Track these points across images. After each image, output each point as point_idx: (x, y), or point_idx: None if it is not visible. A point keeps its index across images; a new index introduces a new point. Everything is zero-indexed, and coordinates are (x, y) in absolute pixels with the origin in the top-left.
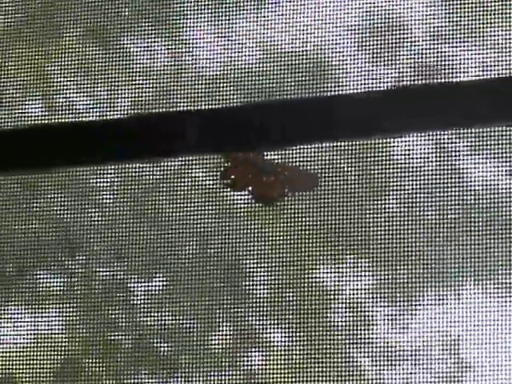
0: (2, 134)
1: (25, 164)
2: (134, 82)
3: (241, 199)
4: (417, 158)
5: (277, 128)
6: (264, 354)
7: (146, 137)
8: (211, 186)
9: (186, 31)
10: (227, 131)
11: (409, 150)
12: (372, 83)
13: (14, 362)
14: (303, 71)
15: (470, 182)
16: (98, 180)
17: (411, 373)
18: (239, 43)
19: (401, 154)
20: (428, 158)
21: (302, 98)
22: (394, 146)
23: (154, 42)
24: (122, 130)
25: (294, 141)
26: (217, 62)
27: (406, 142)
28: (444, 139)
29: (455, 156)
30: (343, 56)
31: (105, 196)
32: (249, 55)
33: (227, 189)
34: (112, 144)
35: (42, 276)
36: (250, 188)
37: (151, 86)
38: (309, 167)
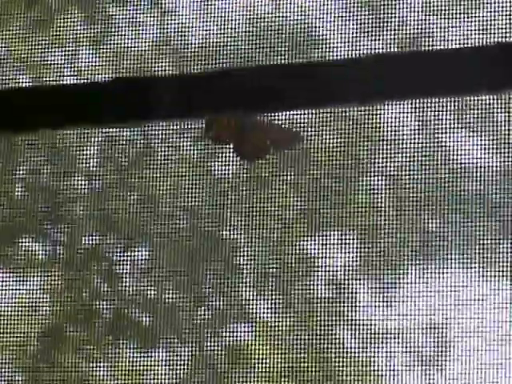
0: None
1: (9, 125)
2: (118, 49)
3: (226, 170)
4: (405, 130)
5: (259, 93)
6: (248, 326)
7: (127, 101)
8: (197, 154)
9: None
10: (206, 95)
11: (396, 120)
12: (358, 51)
13: None
14: (288, 38)
15: (457, 156)
16: (84, 146)
17: (394, 349)
18: (224, 10)
19: (388, 126)
20: (415, 130)
21: (285, 63)
22: (380, 115)
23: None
24: (104, 93)
25: (276, 106)
26: (201, 28)
27: (392, 110)
28: (429, 110)
29: (441, 130)
30: (329, 23)
31: (91, 163)
32: (233, 22)
33: (210, 143)
34: (94, 107)
35: (26, 243)
36: (233, 143)
37: (135, 53)
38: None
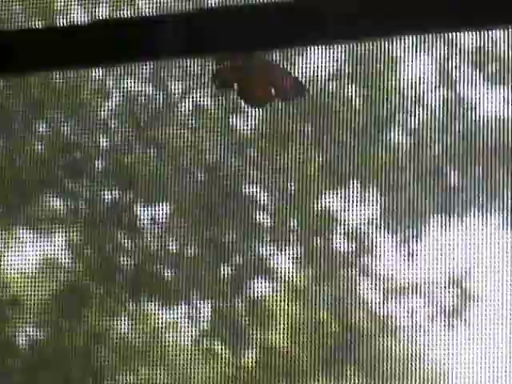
0: None
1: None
2: None
3: (242, 125)
4: (424, 88)
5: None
6: (269, 281)
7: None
8: (214, 111)
9: None
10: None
11: (416, 73)
12: None
13: (20, 285)
14: None
15: (478, 108)
16: (104, 101)
17: (416, 303)
18: None
19: (408, 80)
20: (435, 84)
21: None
22: (399, 71)
23: None
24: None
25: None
26: None
27: (412, 62)
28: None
29: (461, 82)
30: None
31: (110, 119)
32: None
33: (216, 88)
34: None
35: (46, 200)
36: (237, 87)
37: None
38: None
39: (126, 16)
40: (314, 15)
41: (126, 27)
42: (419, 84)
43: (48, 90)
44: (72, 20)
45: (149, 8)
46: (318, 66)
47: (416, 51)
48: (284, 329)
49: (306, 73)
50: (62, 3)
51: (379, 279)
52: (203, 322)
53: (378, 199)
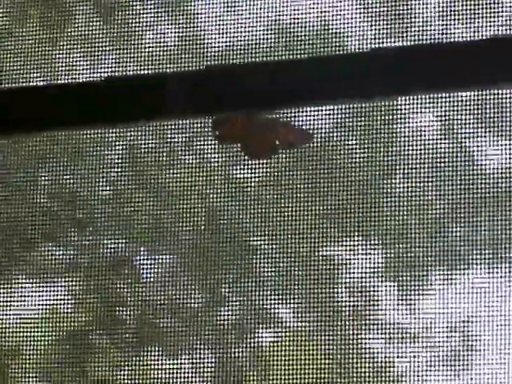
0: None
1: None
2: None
3: (246, 174)
4: (427, 136)
5: (268, 89)
6: (272, 331)
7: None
8: (217, 160)
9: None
10: (214, 93)
11: (418, 123)
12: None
13: (21, 334)
14: (303, 34)
15: (481, 160)
16: (106, 153)
17: (418, 352)
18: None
19: (411, 129)
20: (438, 133)
21: (291, 59)
22: (401, 123)
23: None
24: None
25: (285, 103)
26: (222, 34)
27: (414, 112)
28: (451, 111)
29: (464, 132)
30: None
31: (112, 170)
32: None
33: (218, 142)
34: (103, 105)
35: (48, 248)
36: (240, 142)
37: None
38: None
39: (126, 73)
40: (319, 75)
41: (126, 85)
42: (422, 135)
43: (50, 141)
44: (74, 77)
45: (152, 65)
46: (320, 117)
47: (419, 103)
48: (286, 378)
49: (308, 123)
50: (63, 60)
51: (382, 329)
52: (206, 371)
53: (382, 250)
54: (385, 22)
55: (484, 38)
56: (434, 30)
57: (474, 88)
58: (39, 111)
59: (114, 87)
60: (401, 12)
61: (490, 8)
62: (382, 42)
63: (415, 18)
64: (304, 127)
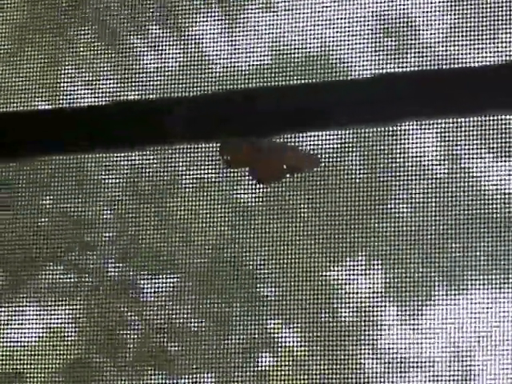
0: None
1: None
2: (138, 77)
3: (248, 198)
4: (427, 157)
5: (272, 115)
6: (274, 354)
7: (131, 124)
8: (218, 183)
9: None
10: (218, 119)
11: (420, 146)
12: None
13: (23, 358)
14: (310, 66)
15: (482, 181)
16: (108, 176)
17: (419, 377)
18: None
19: (411, 152)
20: (439, 156)
21: (295, 84)
22: (403, 144)
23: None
24: (114, 116)
25: (289, 128)
26: (225, 59)
27: (415, 136)
28: (453, 133)
29: (465, 156)
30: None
31: (116, 193)
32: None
33: (225, 167)
34: (105, 131)
35: (51, 272)
36: (249, 167)
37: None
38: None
39: (128, 98)
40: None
41: (127, 110)
42: (424, 157)
43: (52, 164)
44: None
45: (154, 89)
46: (320, 140)
47: (420, 125)
48: None
49: (307, 144)
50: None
51: (383, 352)
52: None
53: (382, 271)
54: (389, 47)
55: (491, 64)
56: (439, 54)
57: (480, 114)
58: (38, 135)
59: (116, 112)
60: (406, 37)
61: (498, 33)
62: (387, 67)
63: (420, 42)
64: (310, 151)
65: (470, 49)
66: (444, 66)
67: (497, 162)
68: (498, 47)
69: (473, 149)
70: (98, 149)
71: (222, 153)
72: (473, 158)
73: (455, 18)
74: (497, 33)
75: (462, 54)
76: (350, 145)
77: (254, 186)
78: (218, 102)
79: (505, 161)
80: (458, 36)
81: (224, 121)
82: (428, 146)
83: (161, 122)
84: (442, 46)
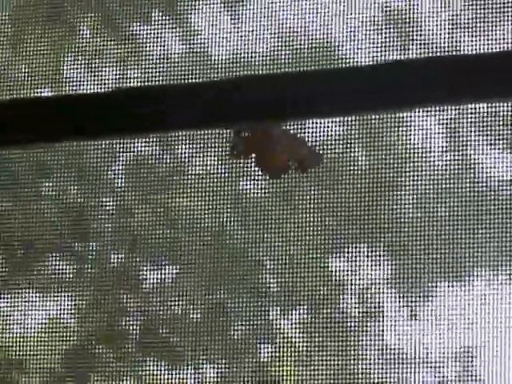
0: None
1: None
2: (141, 66)
3: (252, 188)
4: (432, 148)
5: (281, 101)
6: (275, 344)
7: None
8: (223, 174)
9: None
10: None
11: (423, 133)
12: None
13: (25, 347)
14: (311, 56)
15: (486, 171)
16: (112, 164)
17: (422, 368)
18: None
19: (415, 143)
20: (444, 147)
21: (305, 70)
22: (408, 134)
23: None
24: (126, 101)
25: (297, 115)
26: (227, 47)
27: (419, 122)
28: (458, 127)
29: (469, 144)
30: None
31: (118, 181)
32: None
33: (233, 157)
34: (109, 117)
35: (52, 261)
36: (256, 159)
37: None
38: (317, 147)
39: (129, 85)
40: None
41: (128, 97)
42: (427, 147)
43: (55, 151)
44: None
45: (155, 76)
46: (323, 129)
47: (424, 114)
48: None
49: (312, 135)
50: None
51: (385, 344)
52: None
53: (386, 262)
54: (390, 34)
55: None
56: (441, 41)
57: (486, 101)
58: (40, 123)
59: (117, 99)
60: (406, 24)
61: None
62: (388, 54)
63: (421, 29)
64: (315, 148)
65: (473, 37)
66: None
67: (503, 152)
68: (503, 35)
69: (478, 139)
70: (97, 137)
71: (233, 146)
72: (477, 147)
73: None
74: (501, 20)
75: (464, 42)
76: (353, 135)
77: (258, 177)
78: (205, 90)
79: (508, 149)
80: (461, 25)
81: (223, 108)
82: (432, 135)
83: (158, 110)
84: (445, 35)
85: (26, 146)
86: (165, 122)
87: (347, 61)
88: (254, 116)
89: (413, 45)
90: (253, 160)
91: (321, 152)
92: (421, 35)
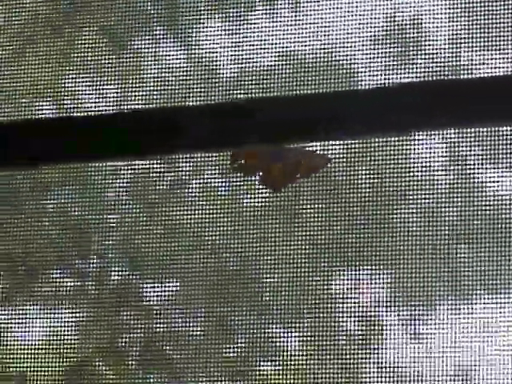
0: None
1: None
2: (143, 81)
3: (253, 202)
4: (435, 165)
5: (284, 123)
6: (276, 361)
7: (147, 132)
8: (223, 188)
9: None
10: (233, 127)
11: (425, 153)
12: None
13: (26, 362)
14: (316, 71)
15: (488, 189)
16: (113, 179)
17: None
18: (250, 42)
19: (417, 158)
20: (447, 165)
21: (306, 94)
22: (409, 150)
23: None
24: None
25: (299, 137)
26: (228, 60)
27: (421, 144)
28: (459, 143)
29: (472, 164)
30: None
31: (119, 197)
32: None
33: (237, 173)
34: (115, 139)
35: (54, 276)
36: (260, 173)
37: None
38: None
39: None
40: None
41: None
42: (429, 162)
43: (56, 168)
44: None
45: (162, 97)
46: (326, 143)
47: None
48: None
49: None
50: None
51: (385, 363)
52: None
53: (387, 280)
54: (396, 55)
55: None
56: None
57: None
58: (46, 144)
59: (126, 120)
60: (411, 44)
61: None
62: (393, 75)
63: (426, 50)
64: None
65: (478, 55)
66: (451, 74)
67: (503, 171)
68: (507, 56)
69: (479, 155)
70: (108, 157)
71: (233, 160)
72: (479, 164)
73: (463, 24)
74: (505, 41)
75: (469, 60)
76: (356, 153)
77: (260, 192)
78: (228, 111)
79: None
80: (466, 42)
81: (233, 130)
82: (435, 151)
83: (168, 131)
84: (450, 52)
85: (27, 168)
86: (175, 144)
87: (352, 75)
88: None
89: (419, 59)
90: (256, 176)
91: (328, 157)
92: (426, 52)
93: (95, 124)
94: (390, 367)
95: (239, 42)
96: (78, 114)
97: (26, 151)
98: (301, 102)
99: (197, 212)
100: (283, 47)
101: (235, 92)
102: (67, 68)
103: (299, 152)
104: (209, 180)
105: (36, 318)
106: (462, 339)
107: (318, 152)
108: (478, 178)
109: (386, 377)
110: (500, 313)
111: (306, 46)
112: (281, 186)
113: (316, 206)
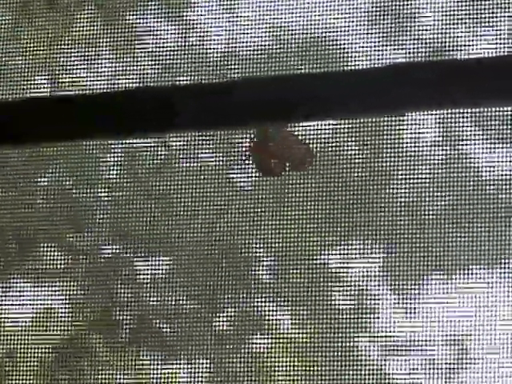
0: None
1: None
2: (138, 60)
3: (244, 180)
4: (426, 141)
5: (277, 104)
6: (268, 337)
7: (137, 111)
8: (217, 166)
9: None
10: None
11: (417, 131)
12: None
13: (17, 338)
14: (310, 50)
15: (479, 167)
16: (105, 156)
17: (414, 360)
18: (244, 22)
19: (409, 137)
20: (437, 141)
21: (302, 73)
22: (401, 129)
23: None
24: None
25: (294, 117)
26: (222, 40)
27: (413, 123)
28: (451, 122)
29: (464, 141)
30: (351, 36)
31: (111, 173)
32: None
33: (247, 156)
34: (112, 118)
35: (45, 252)
36: (254, 158)
37: (155, 63)
38: (310, 144)
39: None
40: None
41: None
42: (421, 141)
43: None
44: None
45: (154, 75)
46: (317, 123)
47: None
48: None
49: (304, 129)
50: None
51: (378, 336)
52: (202, 377)
53: (379, 256)
54: (390, 35)
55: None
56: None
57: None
58: (42, 123)
59: (119, 99)
60: (406, 24)
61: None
62: (388, 56)
63: (421, 31)
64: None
65: (471, 36)
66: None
67: (495, 147)
68: (500, 35)
69: (472, 132)
70: (97, 137)
71: (250, 141)
72: (472, 141)
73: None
74: (498, 21)
75: (461, 41)
76: (346, 129)
77: (254, 174)
78: (219, 91)
79: (503, 147)
80: (459, 22)
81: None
82: (427, 129)
83: (161, 111)
84: (442, 33)
85: (25, 146)
86: (172, 124)
87: (343, 55)
88: (257, 117)
89: (408, 41)
90: (252, 162)
91: (314, 150)
92: (417, 32)
93: (88, 102)
94: (382, 337)
95: (230, 21)
96: (71, 92)
97: (19, 129)
98: (280, 83)
99: (189, 188)
100: (274, 27)
101: (226, 71)
102: (61, 45)
103: (290, 140)
104: (201, 157)
105: (26, 293)
106: (453, 310)
107: (304, 143)
108: (470, 152)
109: (378, 350)
110: (488, 284)
111: (297, 25)
112: (275, 173)
113: (308, 183)
